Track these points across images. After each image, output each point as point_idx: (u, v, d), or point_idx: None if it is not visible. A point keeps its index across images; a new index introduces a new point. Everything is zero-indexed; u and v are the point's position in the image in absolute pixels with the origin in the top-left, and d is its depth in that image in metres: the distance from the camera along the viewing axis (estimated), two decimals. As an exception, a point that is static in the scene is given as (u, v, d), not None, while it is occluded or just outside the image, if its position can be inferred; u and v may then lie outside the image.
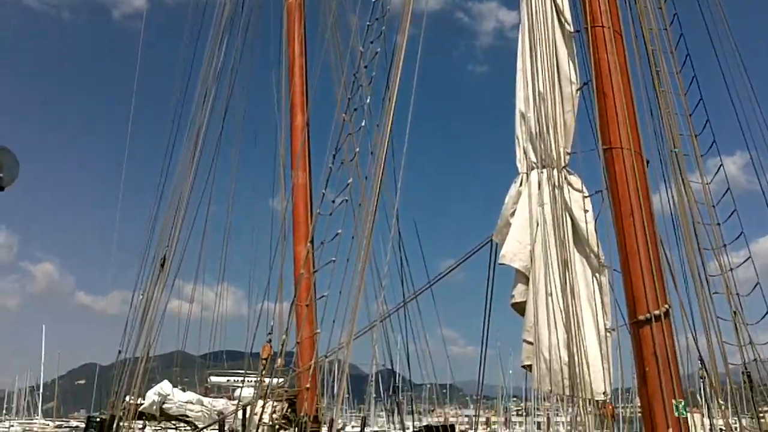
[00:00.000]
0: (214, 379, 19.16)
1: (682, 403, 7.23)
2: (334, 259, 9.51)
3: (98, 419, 18.04)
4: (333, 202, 10.01)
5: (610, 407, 8.17)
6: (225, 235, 19.99)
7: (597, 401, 8.17)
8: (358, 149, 9.92)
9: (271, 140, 19.09)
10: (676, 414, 7.18)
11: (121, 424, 16.45)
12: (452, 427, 16.49)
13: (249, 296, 20.08)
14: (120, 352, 18.86)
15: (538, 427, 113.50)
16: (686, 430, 7.14)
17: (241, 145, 20.52)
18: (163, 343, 18.30)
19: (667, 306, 7.66)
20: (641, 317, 7.68)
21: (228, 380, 18.91)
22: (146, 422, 19.65)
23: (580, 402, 8.18)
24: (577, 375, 8.18)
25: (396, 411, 19.38)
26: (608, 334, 8.41)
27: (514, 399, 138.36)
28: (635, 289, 7.84)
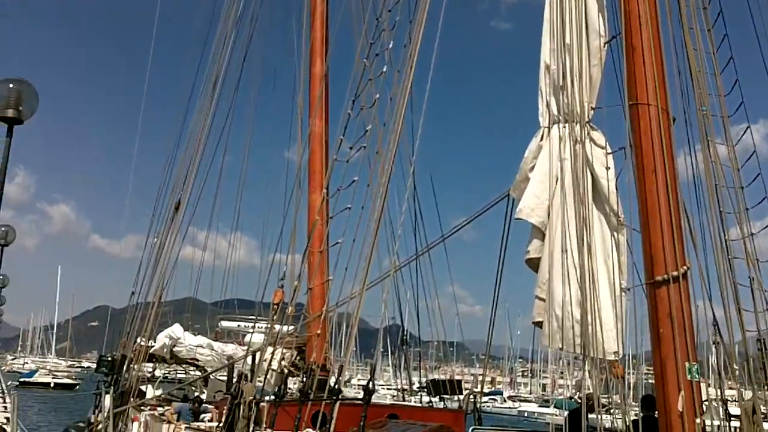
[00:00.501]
0: (224, 324, 19.26)
1: (696, 367, 7.10)
2: (349, 206, 9.37)
3: (109, 359, 18.23)
4: (350, 149, 9.84)
5: (620, 368, 8.05)
6: (240, 183, 19.91)
7: (607, 361, 8.07)
8: (378, 96, 9.70)
9: (289, 90, 18.88)
10: (689, 377, 7.06)
11: (131, 365, 16.57)
12: (459, 382, 16.47)
13: (261, 246, 20.06)
14: (133, 293, 19.03)
15: (543, 389, 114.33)
16: (698, 394, 7.02)
17: (258, 91, 20.35)
18: (176, 289, 18.40)
19: (686, 267, 7.49)
20: (659, 278, 7.51)
21: (239, 326, 19.01)
22: (156, 364, 19.83)
23: (590, 361, 8.09)
24: (589, 334, 8.08)
25: (402, 366, 19.41)
26: (623, 293, 8.27)
27: (520, 360, 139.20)
28: (654, 248, 7.66)
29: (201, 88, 19.56)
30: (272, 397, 9.58)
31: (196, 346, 18.76)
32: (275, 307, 9.71)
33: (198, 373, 21.02)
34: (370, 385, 8.77)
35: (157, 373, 21.18)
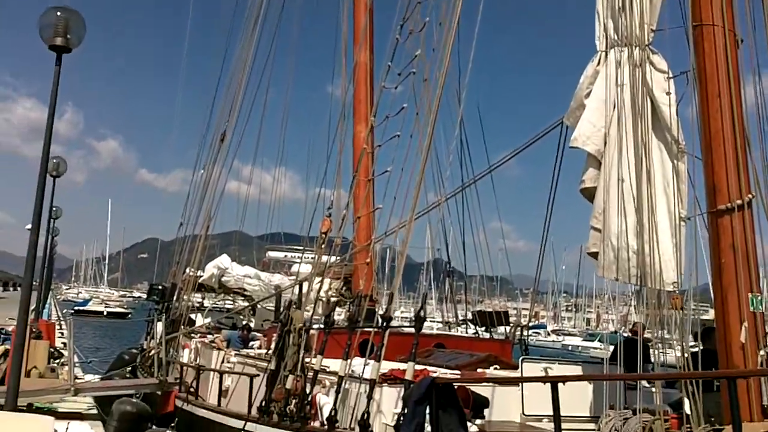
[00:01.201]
0: (272, 254, 19.42)
1: (759, 298, 6.87)
2: (398, 133, 9.17)
3: (159, 287, 18.55)
4: (399, 75, 9.59)
5: (678, 299, 7.85)
6: (284, 117, 19.75)
7: (666, 292, 7.88)
8: (427, 19, 9.39)
9: (332, 23, 18.51)
10: (752, 308, 6.84)
11: (182, 294, 16.85)
12: (506, 313, 16.41)
13: (306, 178, 19.96)
14: (181, 224, 19.25)
15: (588, 323, 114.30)
16: (762, 326, 6.81)
17: (302, 22, 20.01)
18: (222, 222, 18.56)
19: (751, 195, 7.19)
20: (722, 207, 7.22)
21: (285, 256, 19.12)
22: (205, 294, 20.10)
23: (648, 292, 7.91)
24: (647, 264, 7.88)
25: (447, 298, 19.39)
26: (682, 223, 8.02)
27: (565, 294, 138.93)
28: (717, 177, 7.35)
29: (243, 21, 19.33)
30: (321, 325, 9.60)
31: (244, 276, 18.97)
32: (323, 235, 9.63)
33: (245, 303, 21.37)
34: (422, 313, 8.71)
35: (206, 302, 21.54)
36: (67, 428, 6.86)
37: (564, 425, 8.82)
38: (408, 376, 7.76)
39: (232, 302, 21.90)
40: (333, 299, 15.05)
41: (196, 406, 11.34)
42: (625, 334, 12.91)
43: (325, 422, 8.01)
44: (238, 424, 9.26)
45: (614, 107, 8.43)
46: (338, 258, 18.08)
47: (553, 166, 9.80)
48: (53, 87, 9.20)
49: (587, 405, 9.10)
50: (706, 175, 7.68)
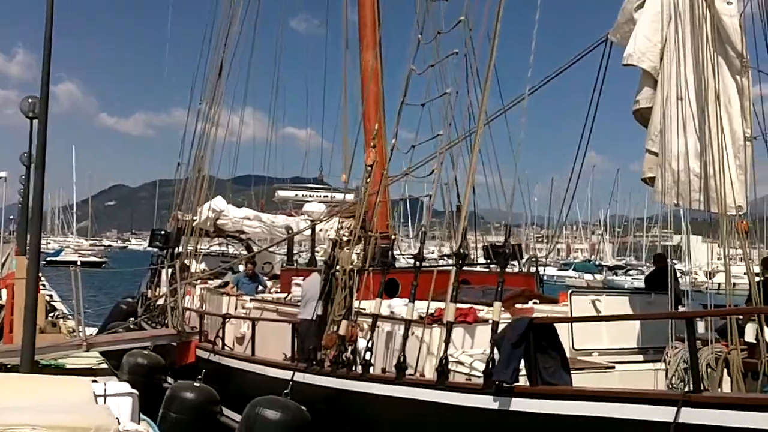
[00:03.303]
0: (281, 193, 18.69)
1: None
2: (456, 50, 8.16)
3: (162, 232, 17.82)
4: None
5: (745, 223, 7.41)
6: (251, 55, 18.68)
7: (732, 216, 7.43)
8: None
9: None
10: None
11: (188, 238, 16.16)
12: (519, 246, 16.02)
13: (272, 118, 19.15)
14: (179, 164, 18.46)
15: (557, 254, 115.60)
16: None
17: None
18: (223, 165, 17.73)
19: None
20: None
21: (296, 195, 18.44)
22: (198, 238, 19.14)
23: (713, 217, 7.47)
24: (712, 187, 7.42)
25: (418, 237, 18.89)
26: (748, 143, 7.56)
27: (537, 227, 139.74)
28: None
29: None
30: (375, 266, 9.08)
31: (242, 218, 18.28)
32: (369, 168, 8.98)
33: (243, 246, 20.72)
34: (462, 250, 8.21)
35: (200, 247, 20.76)
36: (105, 389, 6.31)
37: (613, 358, 8.60)
38: (449, 317, 7.30)
39: (226, 246, 21.24)
40: (345, 238, 14.52)
41: (228, 357, 10.77)
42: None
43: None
44: (283, 374, 8.72)
45: (670, 20, 7.85)
46: (351, 197, 17.57)
47: (594, 85, 9.17)
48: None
49: (634, 337, 8.78)
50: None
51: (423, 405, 6.66)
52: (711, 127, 7.37)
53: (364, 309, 8.69)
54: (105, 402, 6.18)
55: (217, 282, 16.01)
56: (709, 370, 6.75)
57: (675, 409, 4.82)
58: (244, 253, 19.53)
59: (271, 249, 18.16)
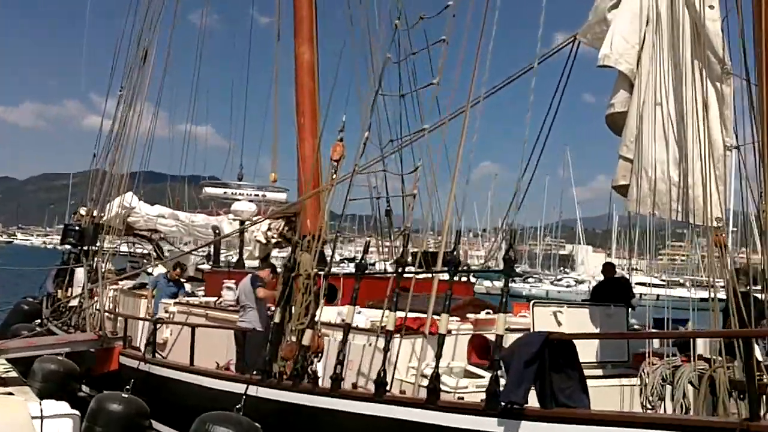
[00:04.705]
0: (209, 190, 17.61)
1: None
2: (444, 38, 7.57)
3: (77, 228, 16.46)
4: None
5: (722, 236, 7.14)
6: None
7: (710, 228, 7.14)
8: None
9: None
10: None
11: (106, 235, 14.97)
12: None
13: (172, 114, 18.23)
14: (94, 155, 17.22)
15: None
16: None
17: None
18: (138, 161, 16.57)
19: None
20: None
21: (225, 192, 17.40)
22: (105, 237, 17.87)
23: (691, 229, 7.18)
24: (690, 198, 7.13)
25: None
26: (728, 152, 7.31)
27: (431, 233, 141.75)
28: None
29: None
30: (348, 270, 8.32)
31: (156, 216, 17.14)
32: (334, 163, 8.20)
33: (150, 247, 19.52)
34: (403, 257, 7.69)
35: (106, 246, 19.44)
36: (41, 410, 5.36)
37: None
38: (442, 330, 6.67)
39: (133, 246, 19.89)
40: (273, 240, 13.72)
41: (162, 366, 9.71)
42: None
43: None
44: (230, 386, 7.83)
45: (647, 22, 7.54)
46: (283, 196, 16.75)
47: (556, 88, 8.70)
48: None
49: (593, 351, 8.43)
50: (759, 99, 6.91)
51: (409, 426, 5.94)
52: (693, 135, 7.09)
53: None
54: (42, 426, 5.24)
55: (130, 283, 14.91)
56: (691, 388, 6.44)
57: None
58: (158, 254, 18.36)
59: (191, 250, 17.10)
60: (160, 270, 15.05)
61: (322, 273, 8.38)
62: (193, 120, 19.83)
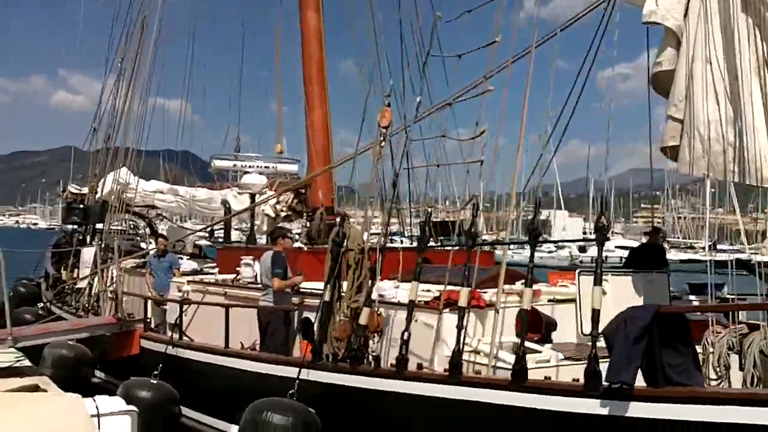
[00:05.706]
0: (218, 162, 17.03)
1: None
2: None
3: (81, 206, 15.93)
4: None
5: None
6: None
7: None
8: None
9: None
10: None
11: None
12: (453, 223, 15.28)
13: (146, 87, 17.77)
14: (95, 129, 16.66)
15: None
16: None
17: None
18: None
19: None
20: None
21: (234, 165, 16.86)
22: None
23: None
24: (746, 158, 6.85)
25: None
26: (783, 111, 7.00)
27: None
28: None
29: None
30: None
31: (154, 192, 16.61)
32: (383, 130, 7.70)
33: (144, 224, 19.00)
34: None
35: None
36: (97, 408, 4.98)
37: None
38: (462, 302, 6.44)
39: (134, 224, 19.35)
40: (282, 214, 13.36)
41: (195, 350, 9.23)
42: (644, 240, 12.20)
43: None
44: (284, 372, 7.40)
45: (695, -27, 7.18)
46: (293, 168, 16.29)
47: (586, 53, 8.30)
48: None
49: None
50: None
51: (491, 410, 5.53)
52: (747, 92, 6.79)
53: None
54: (100, 425, 4.86)
55: (132, 263, 14.45)
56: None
57: None
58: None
59: (207, 226, 16.71)
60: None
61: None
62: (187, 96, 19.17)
